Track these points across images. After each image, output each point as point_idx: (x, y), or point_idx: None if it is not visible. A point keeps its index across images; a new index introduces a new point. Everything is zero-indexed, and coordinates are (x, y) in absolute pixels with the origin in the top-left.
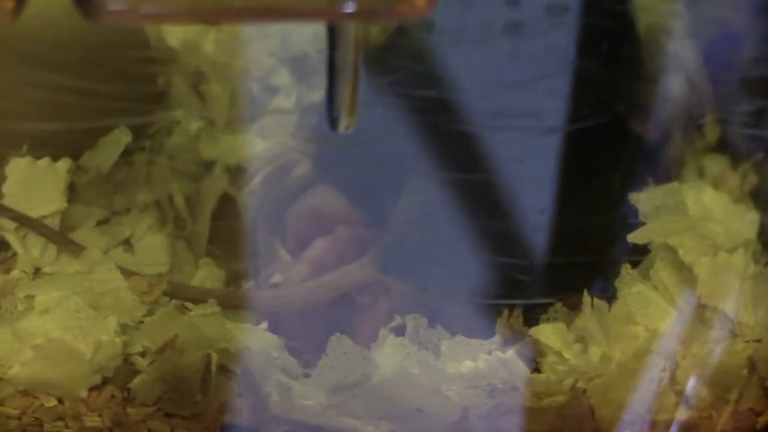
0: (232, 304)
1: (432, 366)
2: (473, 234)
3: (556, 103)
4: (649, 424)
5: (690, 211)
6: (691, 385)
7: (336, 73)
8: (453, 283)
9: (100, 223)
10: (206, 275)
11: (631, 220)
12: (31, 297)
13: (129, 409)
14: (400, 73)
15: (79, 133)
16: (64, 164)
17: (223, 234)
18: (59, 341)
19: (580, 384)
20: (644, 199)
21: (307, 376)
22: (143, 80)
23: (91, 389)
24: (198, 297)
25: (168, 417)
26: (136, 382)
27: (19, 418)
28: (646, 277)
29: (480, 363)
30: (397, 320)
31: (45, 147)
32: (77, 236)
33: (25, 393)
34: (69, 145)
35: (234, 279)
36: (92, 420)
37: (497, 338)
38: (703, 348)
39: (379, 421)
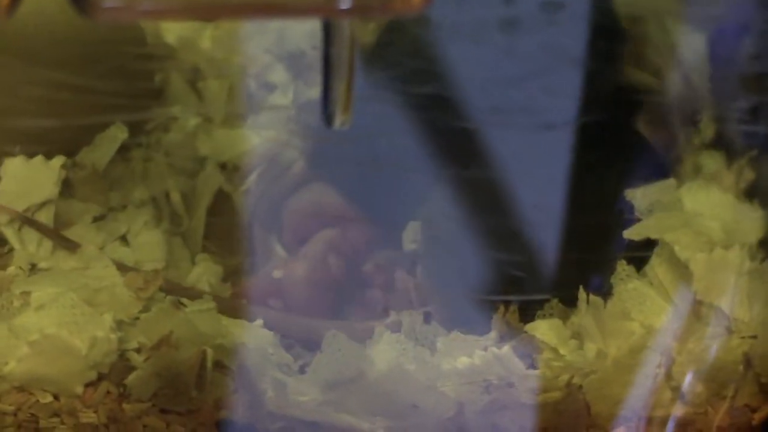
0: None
1: (427, 362)
2: (469, 230)
3: (551, 99)
4: (645, 420)
5: (686, 207)
6: (686, 381)
7: (331, 69)
8: (449, 278)
9: (96, 220)
10: (203, 272)
11: (627, 216)
12: (27, 293)
13: (124, 405)
14: (395, 69)
15: (76, 129)
16: (58, 161)
17: (220, 230)
18: (55, 337)
19: (576, 380)
20: (640, 196)
21: (302, 371)
22: (140, 77)
23: (86, 385)
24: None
25: (163, 413)
26: (131, 378)
27: (15, 414)
28: (642, 273)
29: (475, 359)
30: (393, 316)
31: (42, 143)
32: (73, 232)
33: (21, 389)
34: (66, 142)
35: (231, 275)
36: (88, 416)
37: (493, 334)
38: (699, 344)
39: (374, 417)
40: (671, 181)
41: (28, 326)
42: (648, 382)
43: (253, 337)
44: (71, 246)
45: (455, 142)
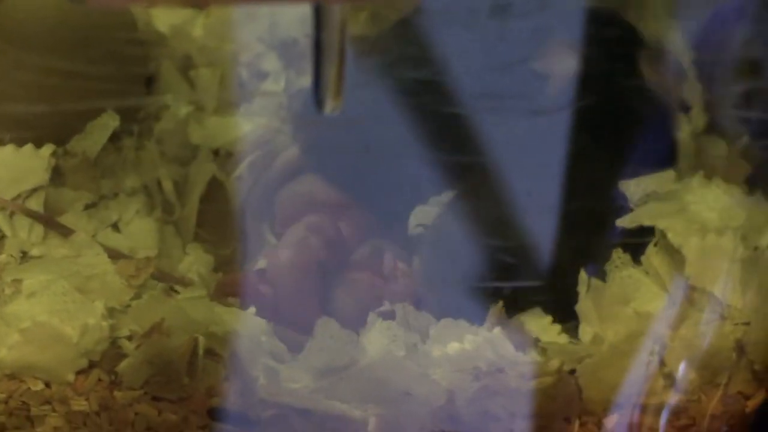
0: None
1: (419, 349)
2: (461, 216)
3: (543, 85)
4: (639, 407)
5: (679, 196)
6: (680, 368)
7: (322, 54)
8: (441, 265)
9: (87, 208)
10: (194, 260)
11: (621, 203)
12: (18, 281)
13: (116, 393)
14: (387, 55)
15: (67, 115)
16: (48, 148)
17: (212, 219)
18: (46, 325)
19: (568, 365)
20: (633, 186)
21: (294, 358)
22: (131, 62)
23: (78, 373)
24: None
25: (155, 400)
26: (123, 365)
27: (6, 402)
28: (637, 261)
29: (466, 344)
30: (386, 305)
31: (32, 129)
32: (64, 220)
33: (12, 377)
34: (56, 128)
35: (222, 264)
36: (79, 404)
37: (485, 320)
38: (692, 330)
39: (366, 404)
40: (664, 172)
41: (20, 314)
42: (642, 368)
43: (245, 324)
44: (65, 232)
45: (447, 128)
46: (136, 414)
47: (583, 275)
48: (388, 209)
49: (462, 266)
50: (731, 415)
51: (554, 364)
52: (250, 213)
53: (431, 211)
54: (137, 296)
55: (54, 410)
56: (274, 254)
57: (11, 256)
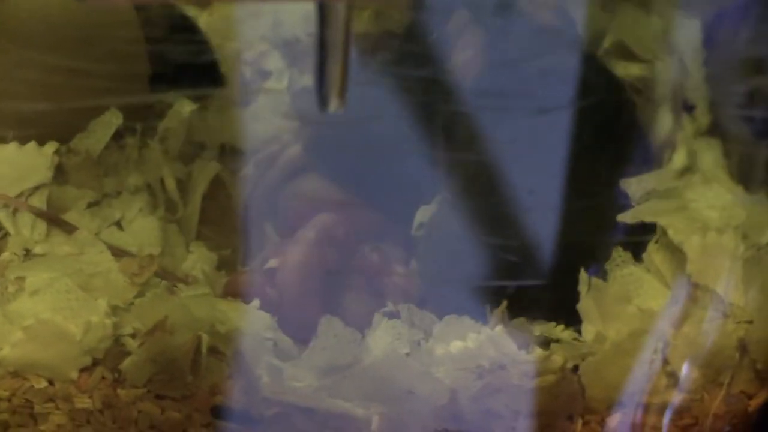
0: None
1: (423, 348)
2: (464, 214)
3: (547, 83)
4: (642, 406)
5: (679, 194)
6: (683, 367)
7: (325, 52)
8: (444, 264)
9: (90, 206)
10: (197, 258)
11: (623, 201)
12: (21, 278)
13: (119, 391)
14: (390, 52)
15: (71, 113)
16: (51, 146)
17: (215, 217)
18: (49, 322)
19: (571, 363)
20: (635, 184)
21: (297, 357)
22: (134, 61)
23: (81, 370)
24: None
25: (158, 398)
26: (126, 363)
27: (10, 400)
28: (638, 259)
29: (469, 342)
30: (390, 306)
31: (35, 127)
32: (68, 218)
33: (16, 374)
34: (60, 126)
35: (225, 262)
36: (83, 401)
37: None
38: (695, 328)
39: (369, 402)
40: (666, 170)
41: (23, 311)
42: (644, 367)
43: (249, 321)
44: (69, 229)
45: (450, 126)
46: (139, 412)
47: (583, 275)
48: (392, 207)
49: (465, 265)
50: (734, 415)
51: (557, 362)
52: (254, 211)
53: (434, 210)
54: (140, 294)
55: (57, 408)
56: (284, 254)
57: (14, 254)
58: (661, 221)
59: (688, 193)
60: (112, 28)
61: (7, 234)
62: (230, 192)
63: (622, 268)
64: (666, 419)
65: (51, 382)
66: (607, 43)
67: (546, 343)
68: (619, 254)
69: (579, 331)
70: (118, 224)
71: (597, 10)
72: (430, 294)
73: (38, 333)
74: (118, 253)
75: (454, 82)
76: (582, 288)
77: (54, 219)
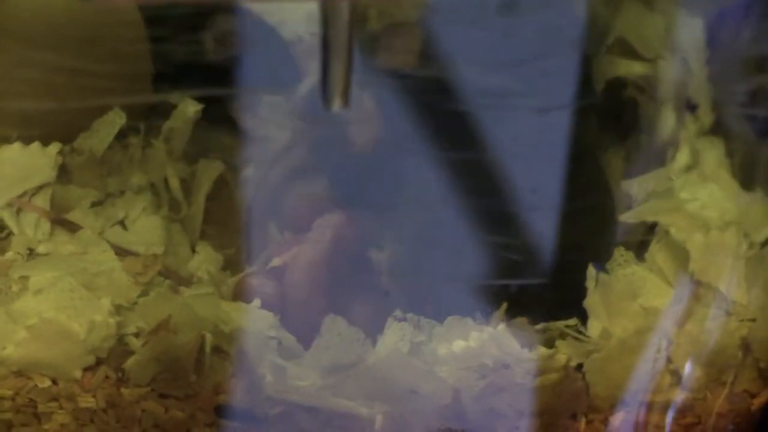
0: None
1: (426, 347)
2: (466, 213)
3: (549, 82)
4: (645, 405)
5: (682, 194)
6: (686, 365)
7: (329, 52)
8: (446, 263)
9: (94, 205)
10: (203, 260)
11: (624, 201)
12: (25, 278)
13: (123, 390)
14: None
15: (75, 113)
16: (55, 146)
17: (219, 217)
18: (53, 321)
19: (574, 361)
20: (636, 185)
21: (301, 356)
22: (137, 60)
23: (85, 370)
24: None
25: (162, 398)
26: (130, 362)
27: (13, 399)
28: (641, 259)
29: (471, 341)
30: (398, 313)
31: (39, 127)
32: (71, 217)
33: (19, 374)
34: (64, 126)
35: (230, 262)
36: (86, 401)
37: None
38: (698, 326)
39: (373, 402)
40: (668, 170)
41: (27, 311)
42: (648, 365)
43: (252, 320)
44: (73, 228)
45: (453, 126)
46: (143, 411)
47: (591, 270)
48: (394, 207)
49: (467, 264)
50: (737, 414)
51: (561, 360)
52: (258, 211)
53: (437, 208)
54: (144, 293)
55: (61, 407)
56: (293, 253)
57: (18, 253)
58: (663, 220)
59: (690, 192)
60: (116, 27)
61: (10, 233)
62: (234, 191)
63: (624, 267)
64: (669, 418)
65: (54, 382)
66: (609, 41)
67: (550, 341)
68: (621, 254)
69: (581, 330)
70: (122, 223)
71: (600, 8)
72: (433, 293)
73: (42, 332)
74: (121, 252)
75: (457, 81)
76: (589, 283)
77: (57, 219)
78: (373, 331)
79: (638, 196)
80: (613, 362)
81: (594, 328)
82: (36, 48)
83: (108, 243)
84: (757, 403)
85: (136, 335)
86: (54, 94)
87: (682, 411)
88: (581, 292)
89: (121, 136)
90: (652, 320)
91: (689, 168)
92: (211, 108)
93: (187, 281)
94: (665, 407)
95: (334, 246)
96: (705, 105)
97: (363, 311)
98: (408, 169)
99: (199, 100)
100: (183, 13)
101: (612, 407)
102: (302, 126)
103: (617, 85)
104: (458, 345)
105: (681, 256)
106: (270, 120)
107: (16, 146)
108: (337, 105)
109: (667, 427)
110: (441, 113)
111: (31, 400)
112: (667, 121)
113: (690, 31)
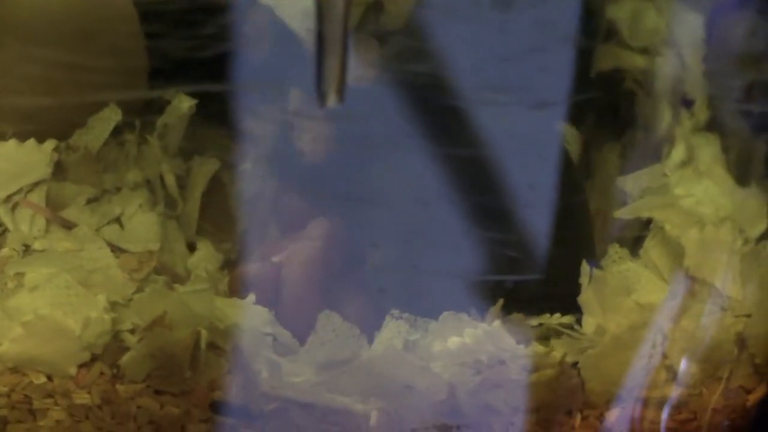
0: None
1: (421, 343)
2: (463, 209)
3: (546, 77)
4: (641, 401)
5: (677, 189)
6: (681, 361)
7: (324, 47)
8: (442, 259)
9: (89, 202)
10: (202, 257)
11: (620, 198)
12: (21, 274)
13: (118, 386)
14: (389, 47)
15: (70, 109)
16: (50, 143)
17: (215, 213)
18: (48, 318)
19: (570, 357)
20: (631, 182)
21: (296, 352)
22: (133, 55)
23: (80, 366)
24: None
25: (157, 394)
26: (125, 359)
27: (8, 395)
28: (636, 255)
29: (466, 338)
30: (395, 312)
31: (35, 123)
32: (67, 214)
33: (14, 370)
34: (59, 122)
35: (227, 259)
36: (81, 397)
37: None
38: (693, 322)
39: (368, 398)
40: (662, 167)
41: (22, 307)
42: (644, 361)
43: (247, 317)
44: (69, 225)
45: (449, 121)
46: (138, 407)
47: (585, 266)
48: (390, 203)
49: (463, 260)
50: (732, 410)
51: (556, 356)
52: (253, 208)
53: (432, 204)
54: (139, 290)
55: (56, 404)
56: (290, 250)
57: (14, 249)
58: (658, 216)
59: (685, 188)
60: (112, 22)
61: (6, 230)
62: (230, 189)
63: (619, 264)
64: (664, 414)
65: (50, 378)
66: (606, 35)
67: (545, 338)
68: (616, 251)
69: (574, 326)
70: (118, 220)
71: (596, 1)
72: (428, 289)
73: (37, 329)
74: (117, 249)
75: (453, 76)
76: (583, 279)
77: (53, 216)
78: (369, 327)
79: (633, 192)
80: (608, 358)
81: (588, 324)
82: (33, 44)
83: (104, 240)
84: (752, 398)
85: (132, 332)
86: (50, 90)
87: (678, 407)
88: (577, 288)
89: (117, 132)
90: (647, 316)
91: (684, 164)
92: (206, 104)
93: (183, 278)
94: (661, 403)
95: (330, 242)
96: (701, 101)
97: (358, 307)
98: (403, 165)
99: (195, 96)
100: (178, 9)
101: (607, 403)
102: (297, 122)
103: (614, 79)
104: (453, 341)
105: (676, 252)
106: (265, 116)
107: (12, 143)
108: (332, 100)
109: (663, 423)
110: (436, 109)
111: (26, 396)
112: (663, 116)
113: (687, 27)
